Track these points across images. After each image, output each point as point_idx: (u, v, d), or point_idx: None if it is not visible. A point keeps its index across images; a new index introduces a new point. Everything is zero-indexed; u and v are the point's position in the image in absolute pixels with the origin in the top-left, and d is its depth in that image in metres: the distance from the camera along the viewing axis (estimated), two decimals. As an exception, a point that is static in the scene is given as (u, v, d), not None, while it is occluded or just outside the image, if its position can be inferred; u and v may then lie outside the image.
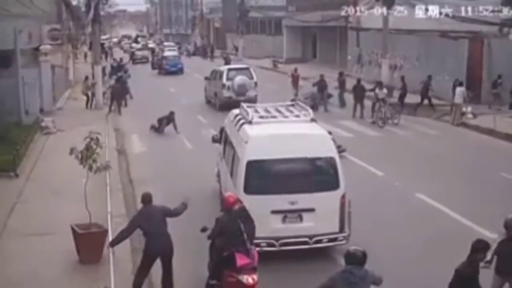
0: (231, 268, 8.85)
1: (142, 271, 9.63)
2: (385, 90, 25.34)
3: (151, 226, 9.48)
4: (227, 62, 45.69)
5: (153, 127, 23.71)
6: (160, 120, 23.57)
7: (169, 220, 9.80)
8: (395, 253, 11.41)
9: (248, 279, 8.72)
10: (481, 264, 7.66)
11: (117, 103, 29.01)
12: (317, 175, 11.37)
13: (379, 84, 25.67)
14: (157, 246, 9.48)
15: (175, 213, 9.86)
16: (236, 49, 63.24)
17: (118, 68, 38.78)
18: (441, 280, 10.22)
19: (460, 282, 7.37)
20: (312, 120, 11.96)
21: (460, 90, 24.24)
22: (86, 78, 31.23)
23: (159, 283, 9.82)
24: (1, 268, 10.71)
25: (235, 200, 9.61)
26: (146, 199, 9.75)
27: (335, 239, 10.99)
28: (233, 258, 8.84)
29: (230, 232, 9.02)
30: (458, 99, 24.18)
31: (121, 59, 45.83)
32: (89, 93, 30.20)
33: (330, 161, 11.16)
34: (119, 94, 29.34)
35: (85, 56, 54.12)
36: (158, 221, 9.53)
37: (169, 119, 23.55)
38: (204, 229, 9.45)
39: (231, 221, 9.10)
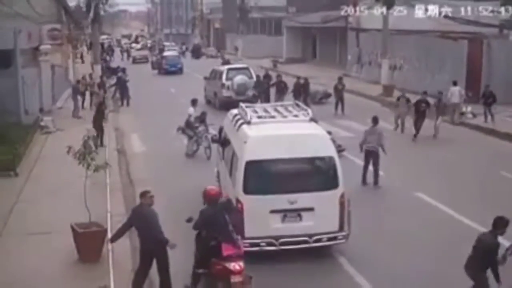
0: (218, 257, 9.09)
1: (140, 270, 9.61)
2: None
3: (142, 224, 9.45)
4: (225, 62, 45.09)
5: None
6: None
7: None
8: (394, 251, 11.44)
9: (235, 266, 8.98)
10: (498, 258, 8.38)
11: (121, 97, 31.68)
12: (317, 174, 11.38)
13: None
14: (148, 244, 9.44)
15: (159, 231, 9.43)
16: (236, 49, 63.25)
17: (114, 69, 38.79)
18: (441, 278, 10.29)
19: (484, 250, 8.38)
20: (311, 120, 11.96)
21: (455, 89, 24.22)
22: (83, 78, 31.17)
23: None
24: (1, 267, 10.72)
25: (217, 192, 9.81)
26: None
27: (334, 238, 11.01)
28: (220, 248, 9.09)
29: (216, 224, 9.21)
30: (455, 99, 24.19)
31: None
32: (88, 91, 30.13)
33: (329, 161, 11.17)
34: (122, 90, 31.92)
35: (81, 56, 53.59)
36: (150, 222, 9.45)
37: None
38: (189, 220, 9.63)
39: (217, 212, 9.30)
